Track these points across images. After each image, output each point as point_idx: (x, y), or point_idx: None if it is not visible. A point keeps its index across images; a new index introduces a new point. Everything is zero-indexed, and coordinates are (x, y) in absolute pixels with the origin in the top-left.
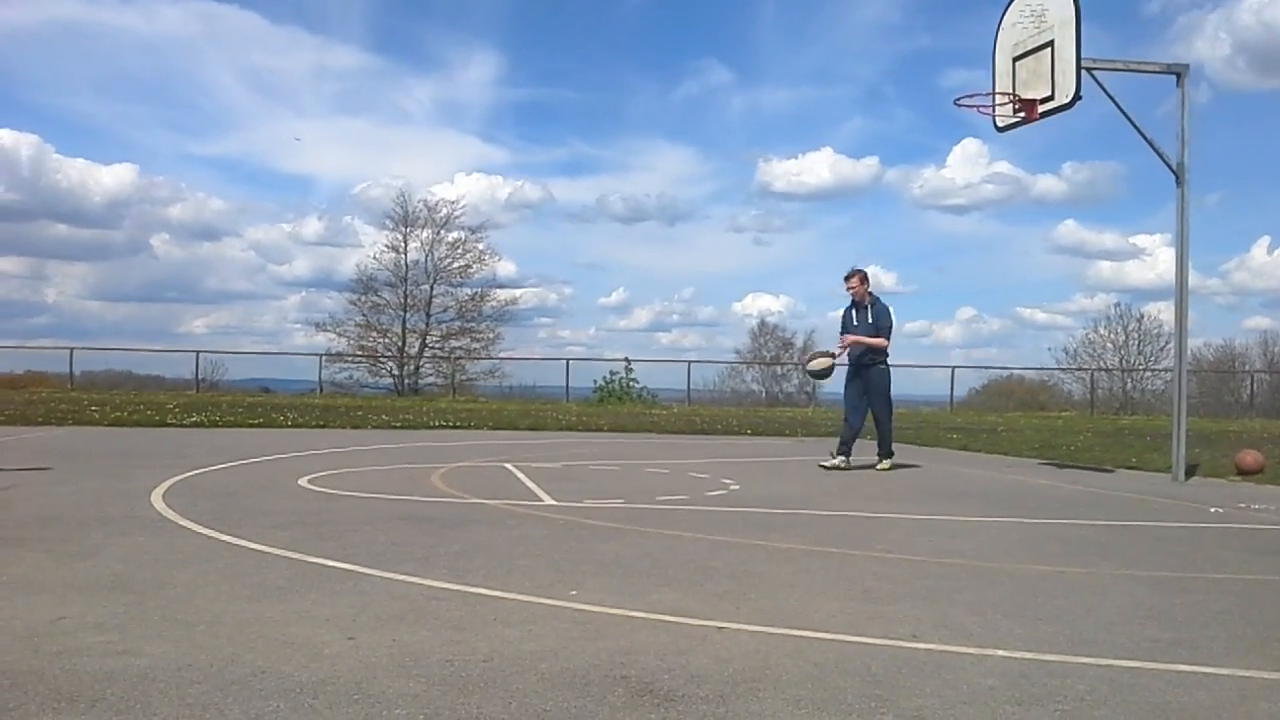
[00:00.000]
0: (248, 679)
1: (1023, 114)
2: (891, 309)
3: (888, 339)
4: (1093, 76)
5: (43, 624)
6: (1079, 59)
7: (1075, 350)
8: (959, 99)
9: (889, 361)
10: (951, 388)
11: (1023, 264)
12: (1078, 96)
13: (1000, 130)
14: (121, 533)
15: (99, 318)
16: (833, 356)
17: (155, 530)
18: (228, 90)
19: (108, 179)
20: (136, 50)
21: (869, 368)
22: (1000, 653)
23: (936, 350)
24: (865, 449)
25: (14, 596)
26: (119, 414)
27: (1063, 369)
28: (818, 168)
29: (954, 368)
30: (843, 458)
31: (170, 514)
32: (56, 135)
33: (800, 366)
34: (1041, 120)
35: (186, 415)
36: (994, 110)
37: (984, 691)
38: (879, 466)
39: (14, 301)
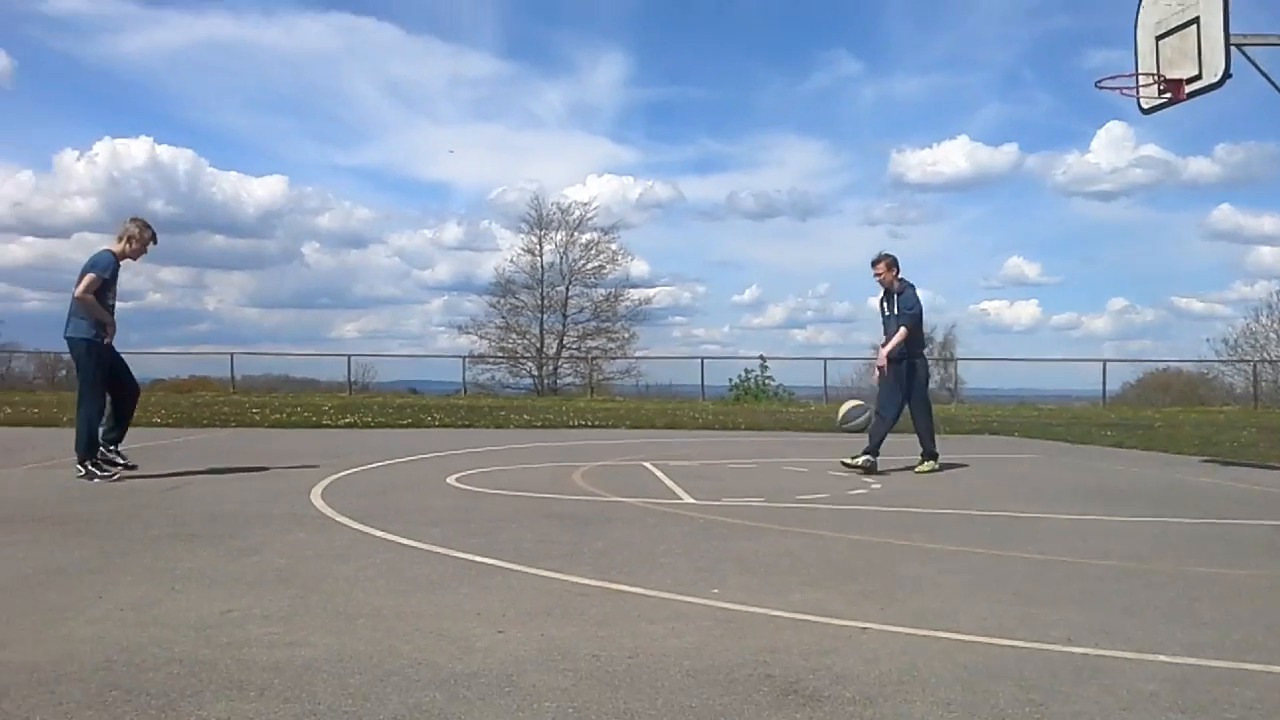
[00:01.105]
0: (405, 670)
1: (1169, 95)
2: (919, 296)
3: (910, 326)
4: (1243, 53)
5: (214, 616)
6: (1228, 35)
7: (1236, 341)
8: (1100, 81)
9: (922, 353)
10: (1104, 382)
11: (1176, 251)
12: (1227, 75)
13: (1145, 112)
14: (284, 529)
15: (256, 324)
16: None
17: (315, 527)
18: (368, 101)
19: (260, 191)
20: (281, 65)
21: (897, 363)
22: (1161, 658)
23: (1086, 343)
24: (902, 448)
25: (188, 590)
26: (278, 416)
27: (1223, 361)
28: (954, 157)
29: (1105, 361)
30: (867, 456)
31: (329, 511)
32: (210, 150)
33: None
34: (1189, 100)
35: (341, 416)
36: (1138, 92)
37: (1144, 698)
38: (919, 469)
39: (177, 310)
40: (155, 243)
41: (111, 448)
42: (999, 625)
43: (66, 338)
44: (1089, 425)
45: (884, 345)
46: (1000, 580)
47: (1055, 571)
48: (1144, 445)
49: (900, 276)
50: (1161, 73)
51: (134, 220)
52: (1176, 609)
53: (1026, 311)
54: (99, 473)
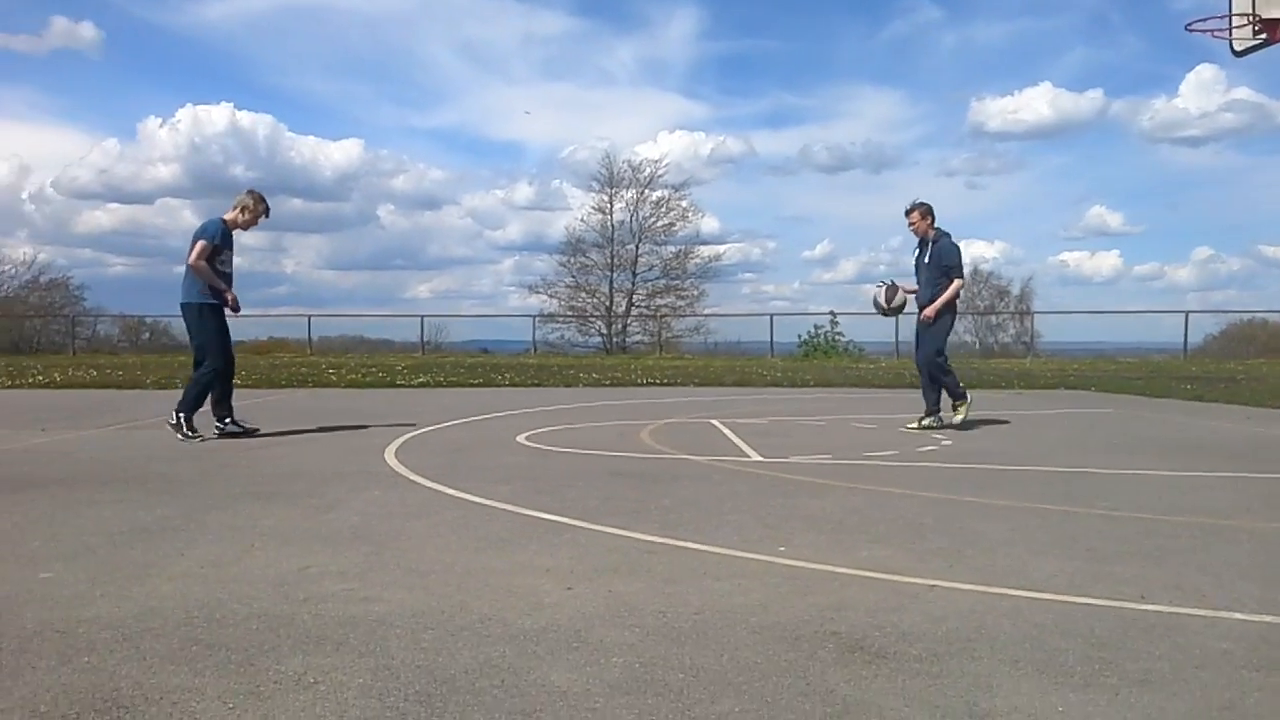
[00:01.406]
0: (476, 625)
1: (1264, 35)
2: (959, 243)
3: (960, 278)
4: None
5: (291, 572)
6: None
7: None
8: (1191, 24)
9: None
10: (1185, 334)
11: (1267, 198)
12: None
13: (1238, 55)
14: (359, 487)
15: (333, 286)
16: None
17: (389, 485)
18: (443, 63)
19: (336, 154)
20: (359, 29)
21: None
22: (1236, 615)
23: (1169, 294)
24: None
25: (266, 546)
26: (354, 376)
27: None
28: (1036, 104)
29: (1188, 312)
30: (934, 417)
31: (402, 469)
32: (289, 114)
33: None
34: None
35: (414, 376)
36: (1231, 33)
37: (1218, 655)
38: (954, 419)
39: (256, 273)
40: (268, 215)
41: (227, 420)
42: (1070, 582)
43: (181, 304)
44: (1168, 379)
45: (915, 291)
46: (1072, 537)
47: (1129, 528)
48: (1225, 399)
49: (936, 225)
50: (1257, 13)
51: (250, 192)
52: (1253, 566)
53: (1107, 262)
54: (189, 433)
